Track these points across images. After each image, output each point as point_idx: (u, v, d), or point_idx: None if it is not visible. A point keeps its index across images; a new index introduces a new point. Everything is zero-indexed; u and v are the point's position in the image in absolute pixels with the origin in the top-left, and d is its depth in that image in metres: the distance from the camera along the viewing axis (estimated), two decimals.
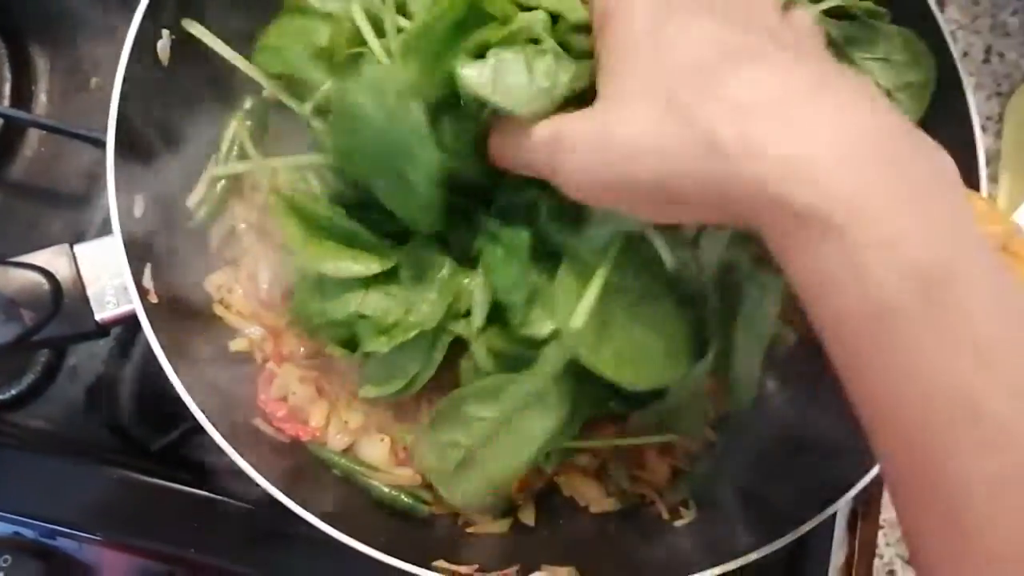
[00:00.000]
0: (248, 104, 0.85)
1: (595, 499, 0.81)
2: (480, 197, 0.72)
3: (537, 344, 0.67)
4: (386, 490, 0.78)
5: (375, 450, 0.79)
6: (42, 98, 1.02)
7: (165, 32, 0.79)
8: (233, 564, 0.82)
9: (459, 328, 0.71)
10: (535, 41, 0.61)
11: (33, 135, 0.99)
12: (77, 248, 0.73)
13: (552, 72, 0.60)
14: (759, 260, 0.71)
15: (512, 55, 0.61)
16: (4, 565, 0.82)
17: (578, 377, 0.67)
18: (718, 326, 0.70)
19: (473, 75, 0.60)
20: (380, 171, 0.67)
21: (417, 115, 0.62)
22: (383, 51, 0.67)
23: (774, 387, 0.84)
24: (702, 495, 0.81)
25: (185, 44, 0.80)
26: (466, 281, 0.72)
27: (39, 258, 0.72)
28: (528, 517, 0.80)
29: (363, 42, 0.71)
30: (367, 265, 0.70)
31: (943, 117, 0.83)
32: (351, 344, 0.73)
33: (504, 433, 0.69)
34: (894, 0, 0.83)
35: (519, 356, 0.68)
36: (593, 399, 0.71)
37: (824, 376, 0.80)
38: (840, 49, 0.83)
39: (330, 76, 0.73)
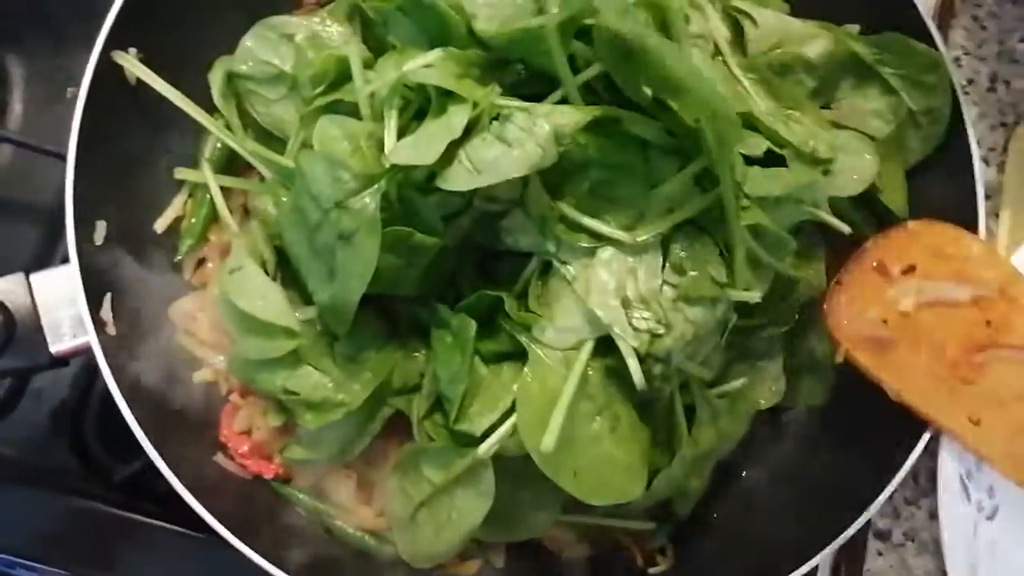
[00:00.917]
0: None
1: (567, 544, 0.78)
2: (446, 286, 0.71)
3: (472, 440, 0.65)
4: (350, 531, 0.76)
5: (342, 487, 0.77)
6: (17, 108, 0.99)
7: (132, 50, 0.77)
8: None
9: (399, 404, 0.70)
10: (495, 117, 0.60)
11: (6, 149, 0.97)
12: (33, 277, 0.71)
13: (528, 124, 0.58)
14: (709, 384, 0.73)
15: (479, 139, 0.60)
16: None
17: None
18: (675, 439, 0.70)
19: (452, 176, 0.60)
20: (315, 252, 0.66)
21: (372, 206, 0.62)
22: (366, 100, 0.66)
23: (761, 440, 0.81)
24: (680, 543, 0.78)
25: (155, 61, 0.78)
26: (413, 356, 0.70)
27: None
28: (498, 559, 0.78)
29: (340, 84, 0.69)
30: (280, 344, 0.69)
31: (950, 150, 0.80)
32: (289, 412, 0.72)
33: (444, 503, 0.68)
34: (893, 22, 0.80)
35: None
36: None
37: (817, 434, 0.81)
38: (869, 69, 0.80)
39: (301, 116, 0.72)
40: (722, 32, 0.80)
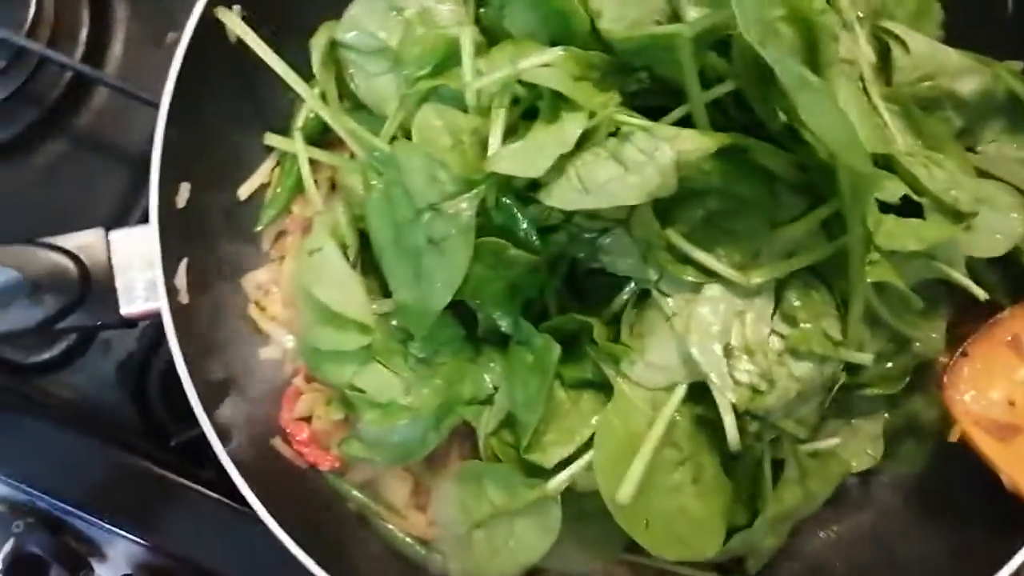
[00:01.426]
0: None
1: None
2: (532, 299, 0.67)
3: (541, 471, 0.61)
4: (399, 535, 0.73)
5: (397, 488, 0.74)
6: (117, 49, 0.97)
7: (236, 7, 0.74)
8: (234, 573, 0.78)
9: (468, 414, 0.66)
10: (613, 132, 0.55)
11: (102, 90, 0.95)
12: (112, 234, 0.69)
13: (649, 147, 0.53)
14: (799, 440, 0.66)
15: (592, 154, 0.55)
16: (16, 531, 0.81)
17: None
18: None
19: (557, 193, 0.55)
20: (401, 249, 0.61)
21: (468, 213, 0.57)
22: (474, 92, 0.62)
23: (844, 502, 0.75)
24: None
25: (259, 20, 0.74)
26: (489, 366, 0.66)
27: (71, 241, 0.68)
28: None
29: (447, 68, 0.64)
30: (352, 338, 0.66)
31: None
32: (352, 406, 0.69)
33: (503, 529, 0.64)
34: None
35: None
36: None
37: (906, 507, 0.75)
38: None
39: (401, 97, 0.68)
40: (868, 56, 0.72)
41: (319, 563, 0.64)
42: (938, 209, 0.66)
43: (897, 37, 0.73)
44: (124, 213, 0.89)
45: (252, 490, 0.66)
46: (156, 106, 0.86)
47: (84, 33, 0.96)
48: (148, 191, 0.88)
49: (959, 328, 0.71)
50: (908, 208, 0.66)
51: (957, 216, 0.67)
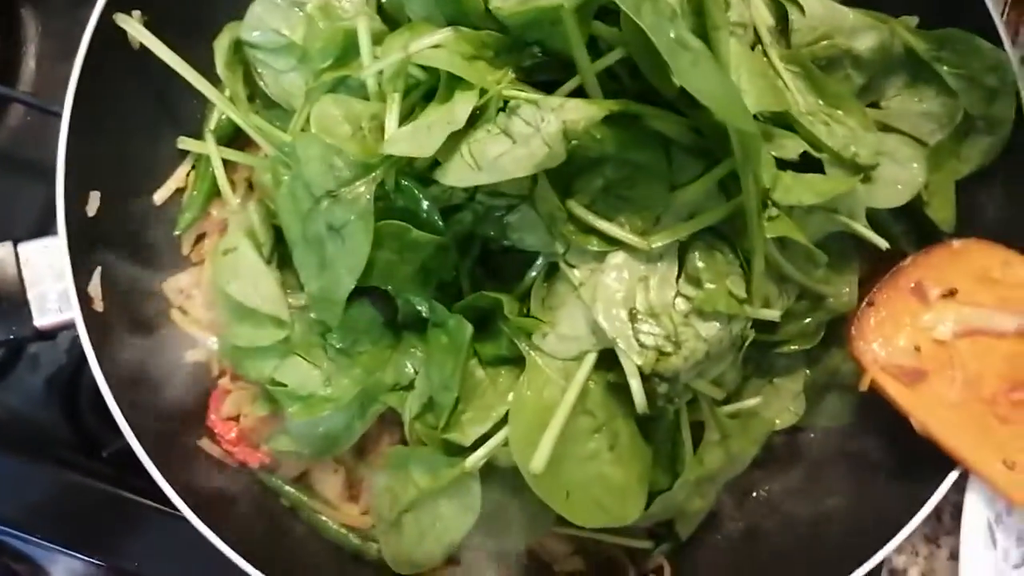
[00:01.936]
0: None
1: (561, 556, 0.74)
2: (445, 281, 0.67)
3: (461, 450, 0.62)
4: (334, 527, 0.73)
5: (329, 480, 0.74)
6: (30, 65, 0.96)
7: (136, 13, 0.73)
8: None
9: (392, 401, 0.66)
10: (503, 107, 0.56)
11: (17, 107, 0.94)
12: (22, 247, 0.69)
13: (536, 119, 0.53)
14: (721, 401, 0.68)
15: (483, 131, 0.55)
16: None
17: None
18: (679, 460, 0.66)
19: (451, 171, 0.56)
20: (306, 240, 0.62)
21: (366, 197, 0.58)
22: (373, 79, 0.62)
23: (774, 460, 0.76)
24: (679, 562, 0.74)
25: (160, 25, 0.74)
26: (410, 352, 0.67)
27: None
28: (488, 567, 0.74)
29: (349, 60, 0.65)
30: (269, 333, 0.66)
31: (1009, 162, 0.73)
32: (276, 403, 0.69)
33: (428, 510, 0.65)
34: (956, 16, 0.73)
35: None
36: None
37: (835, 459, 0.76)
38: (925, 66, 0.74)
39: (306, 91, 0.68)
40: (765, 19, 0.73)
41: (254, 564, 0.64)
42: (837, 164, 0.68)
43: (793, 0, 0.74)
44: (43, 228, 0.88)
45: (179, 495, 0.65)
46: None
47: None
48: None
49: (871, 282, 0.73)
50: (810, 165, 0.67)
51: (857, 169, 0.68)
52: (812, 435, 0.78)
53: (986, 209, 0.74)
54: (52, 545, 0.78)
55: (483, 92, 0.59)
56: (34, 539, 0.78)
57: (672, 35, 0.53)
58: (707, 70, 0.54)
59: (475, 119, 0.58)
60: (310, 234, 0.62)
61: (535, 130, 0.55)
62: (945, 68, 0.75)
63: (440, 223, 0.61)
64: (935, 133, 0.76)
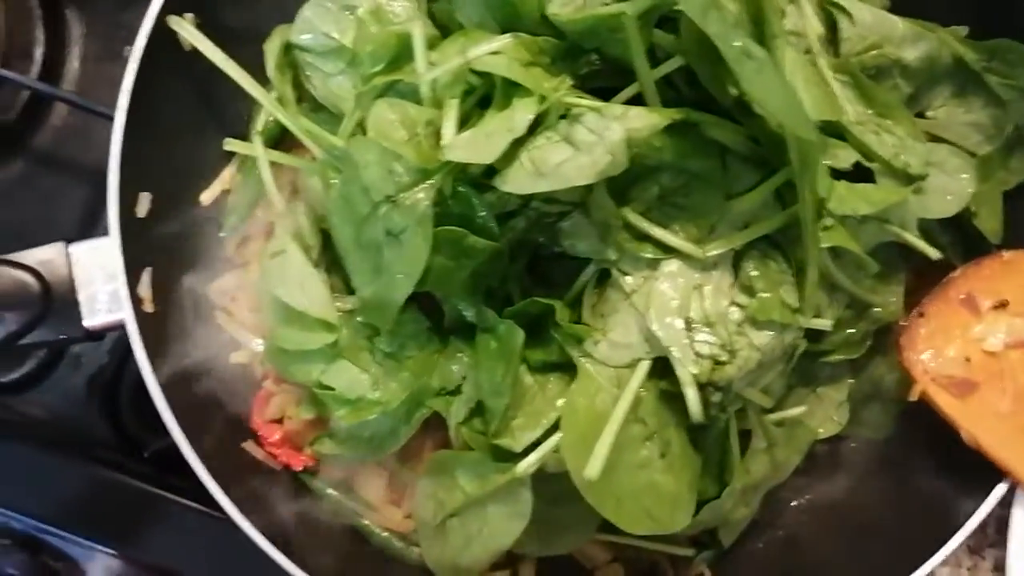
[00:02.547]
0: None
1: (602, 563, 0.75)
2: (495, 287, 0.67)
3: (511, 456, 0.62)
4: (377, 531, 0.73)
5: (372, 484, 0.74)
6: (74, 65, 0.97)
7: (189, 15, 0.74)
8: None
9: (438, 405, 0.66)
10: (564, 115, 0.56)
11: (63, 104, 0.95)
12: (72, 248, 0.69)
13: (599, 127, 0.53)
14: (764, 410, 0.67)
15: (544, 138, 0.56)
16: None
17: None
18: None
19: (511, 178, 0.56)
20: (360, 245, 0.62)
21: (425, 203, 0.58)
22: (428, 84, 0.62)
23: (815, 470, 0.76)
24: (720, 570, 0.74)
25: (212, 27, 0.75)
26: (456, 357, 0.66)
27: (32, 257, 0.68)
28: (528, 573, 0.75)
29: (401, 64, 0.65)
30: (317, 337, 0.66)
31: None
32: (323, 405, 0.69)
33: (476, 516, 0.65)
34: (1008, 26, 0.73)
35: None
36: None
37: (877, 470, 0.76)
38: (974, 76, 0.74)
39: (357, 95, 0.68)
40: (815, 28, 0.73)
41: (298, 564, 0.65)
42: (888, 174, 0.68)
43: (843, 8, 0.74)
44: (88, 227, 0.89)
45: (226, 494, 0.66)
46: (111, 118, 0.87)
47: (39, 52, 0.96)
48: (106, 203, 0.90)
49: (916, 292, 0.73)
50: (860, 175, 0.67)
51: (907, 179, 0.68)
52: (854, 445, 0.77)
53: None
54: (91, 543, 0.78)
55: (543, 99, 0.59)
56: (73, 537, 0.78)
57: (737, 43, 0.53)
58: (770, 78, 0.54)
59: (534, 126, 0.59)
60: (365, 239, 0.62)
61: (598, 138, 0.56)
62: (995, 79, 0.75)
63: (496, 229, 0.62)
64: (983, 144, 0.76)
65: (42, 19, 0.96)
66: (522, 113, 0.58)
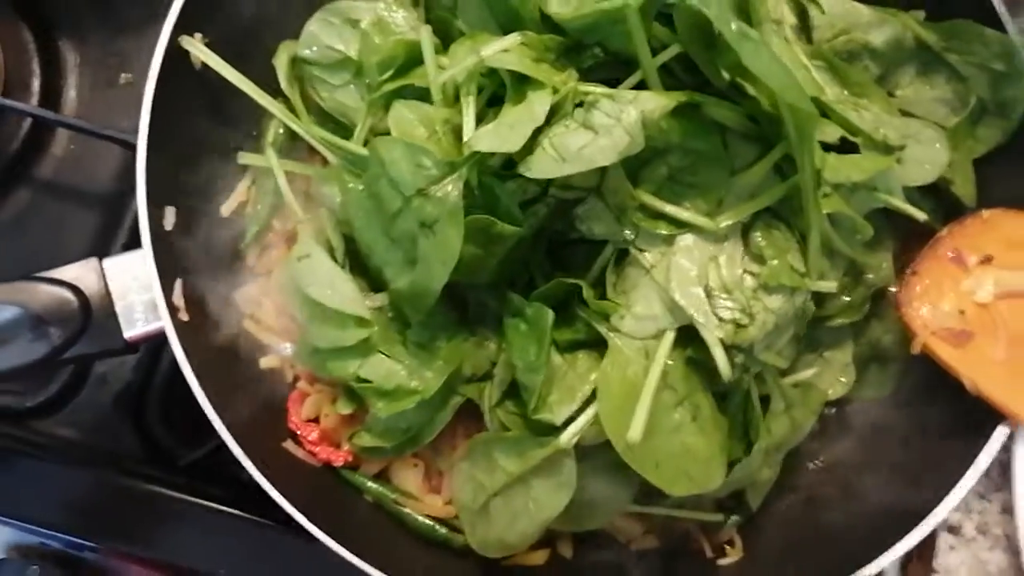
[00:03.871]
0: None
1: (636, 536, 0.78)
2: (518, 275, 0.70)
3: (551, 429, 0.65)
4: (420, 519, 0.75)
5: (410, 475, 0.77)
6: (71, 94, 0.99)
7: (198, 35, 0.77)
8: None
9: (470, 392, 0.69)
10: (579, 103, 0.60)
11: (63, 133, 0.97)
12: (106, 262, 0.71)
13: (615, 111, 0.57)
14: (781, 372, 0.71)
15: (562, 126, 0.59)
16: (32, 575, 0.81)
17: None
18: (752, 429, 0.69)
19: (536, 164, 0.59)
20: (391, 239, 0.65)
21: (455, 193, 0.61)
22: (438, 87, 0.66)
23: (827, 433, 0.80)
24: (748, 535, 0.77)
25: (220, 46, 0.77)
26: (484, 344, 0.70)
27: (67, 273, 0.70)
28: (566, 549, 0.77)
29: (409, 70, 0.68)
30: (352, 333, 0.69)
31: (1013, 136, 0.79)
32: (360, 399, 0.72)
33: (520, 493, 0.68)
34: (961, 8, 0.79)
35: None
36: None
37: (884, 427, 0.80)
38: (935, 56, 0.79)
39: (368, 103, 0.72)
40: (788, 18, 0.79)
41: (354, 552, 0.67)
42: (871, 146, 0.73)
43: None
44: (98, 251, 0.89)
45: (281, 494, 0.68)
46: (120, 142, 0.89)
47: (36, 83, 0.98)
48: (121, 228, 0.92)
49: (903, 259, 0.78)
50: (846, 151, 0.72)
51: (888, 150, 0.74)
52: (859, 406, 0.82)
53: (1004, 184, 0.79)
54: (135, 553, 0.79)
55: (555, 91, 0.63)
56: (116, 549, 0.79)
57: (734, 26, 0.58)
58: (767, 56, 0.59)
59: (551, 116, 0.62)
60: (397, 232, 0.65)
61: (615, 121, 0.60)
62: (954, 57, 0.81)
63: (520, 215, 0.65)
64: (949, 117, 0.81)
65: (37, 51, 0.98)
66: (540, 103, 0.62)
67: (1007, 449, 0.73)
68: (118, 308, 0.70)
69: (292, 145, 0.82)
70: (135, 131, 0.72)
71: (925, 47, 0.82)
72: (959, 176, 0.81)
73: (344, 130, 0.79)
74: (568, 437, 0.64)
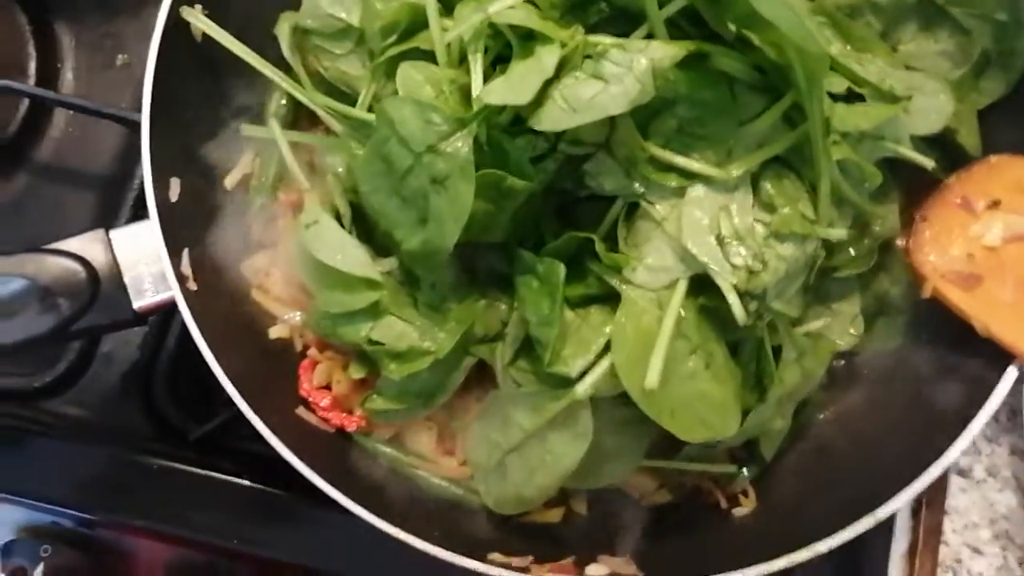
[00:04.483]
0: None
1: (650, 491, 0.78)
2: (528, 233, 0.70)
3: (566, 382, 0.65)
4: (435, 480, 0.75)
5: (423, 438, 0.77)
6: (68, 76, 0.99)
7: (198, 6, 0.76)
8: (277, 554, 0.80)
9: (482, 352, 0.69)
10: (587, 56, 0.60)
11: (60, 115, 0.97)
12: (113, 233, 0.71)
13: (625, 60, 0.57)
14: (794, 322, 0.71)
15: (572, 78, 0.59)
16: (44, 555, 0.81)
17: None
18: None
19: (546, 117, 0.59)
20: (402, 199, 0.65)
21: (465, 149, 0.61)
22: (443, 48, 0.65)
23: (836, 383, 0.80)
24: (761, 486, 0.78)
25: (220, 17, 0.77)
26: (494, 306, 0.70)
27: (73, 244, 0.69)
28: (580, 506, 0.78)
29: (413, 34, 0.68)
30: (363, 296, 0.69)
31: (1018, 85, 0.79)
32: (372, 363, 0.71)
33: (536, 447, 0.68)
34: None
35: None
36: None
37: (893, 376, 0.81)
38: (938, 10, 0.79)
39: (372, 68, 0.71)
40: None
41: (376, 514, 0.67)
42: (877, 96, 0.73)
43: None
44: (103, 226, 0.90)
45: (300, 459, 0.68)
46: (120, 120, 0.89)
47: (33, 66, 0.97)
48: (124, 204, 0.92)
49: (909, 211, 0.78)
50: (850, 103, 0.73)
51: (895, 100, 0.74)
52: (868, 357, 0.82)
53: (1009, 133, 0.80)
54: (150, 527, 0.79)
55: (563, 45, 0.63)
56: (129, 525, 0.79)
57: None
58: (776, 2, 0.59)
59: (559, 69, 0.62)
60: (408, 190, 0.65)
61: (626, 69, 0.60)
62: (957, 10, 0.81)
63: (531, 170, 0.65)
64: (953, 71, 0.82)
65: (33, 34, 0.98)
66: (549, 56, 0.62)
67: (1015, 393, 0.73)
68: (127, 279, 0.70)
69: (295, 116, 0.82)
70: (134, 110, 0.72)
71: (927, 1, 0.82)
72: (964, 126, 0.81)
73: (347, 100, 0.79)
74: (584, 388, 0.64)
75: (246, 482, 0.80)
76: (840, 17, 0.78)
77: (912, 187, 0.78)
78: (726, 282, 0.62)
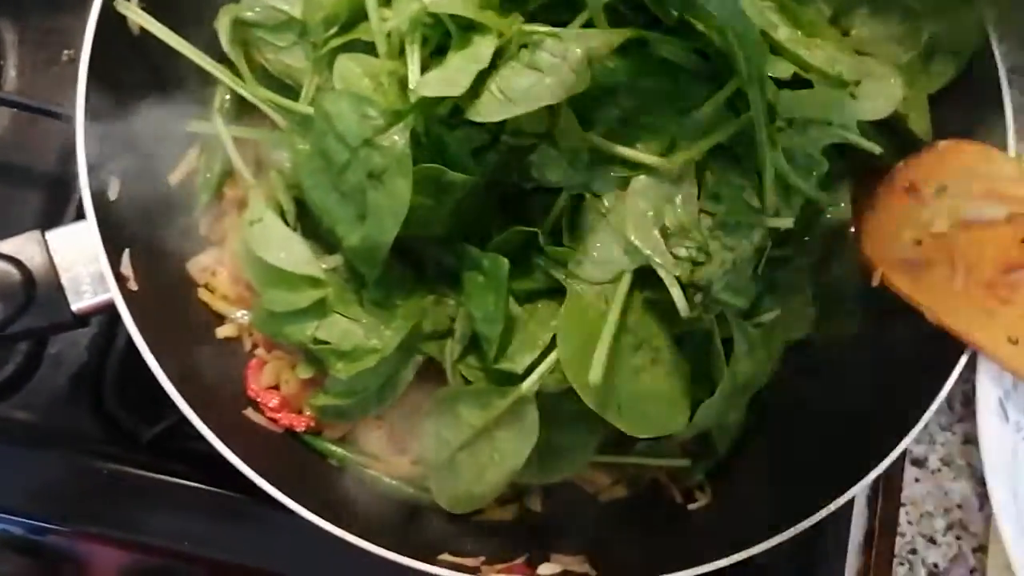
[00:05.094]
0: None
1: (605, 486, 0.77)
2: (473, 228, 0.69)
3: (513, 379, 0.64)
4: (387, 480, 0.75)
5: (373, 437, 0.76)
6: (11, 73, 0.96)
7: (134, 1, 0.74)
8: (229, 557, 0.78)
9: (431, 349, 0.69)
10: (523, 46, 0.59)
11: (3, 113, 0.94)
12: (49, 234, 0.69)
13: (560, 50, 0.56)
14: (745, 314, 0.71)
15: (508, 68, 0.59)
16: None
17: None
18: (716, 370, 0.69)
19: (483, 108, 0.59)
20: (342, 195, 0.64)
21: (401, 142, 0.60)
22: (383, 39, 0.64)
23: (790, 374, 0.80)
24: (717, 479, 0.77)
25: (158, 11, 0.75)
26: (443, 302, 0.69)
27: (7, 246, 0.68)
28: (535, 503, 0.77)
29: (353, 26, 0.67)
30: (306, 295, 0.68)
31: (966, 70, 0.79)
32: (320, 362, 0.70)
33: (485, 444, 0.67)
34: None
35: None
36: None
37: (846, 366, 0.80)
38: None
39: (313, 60, 0.70)
40: None
41: (321, 516, 0.66)
42: (825, 82, 0.72)
43: None
44: (48, 226, 0.88)
45: (245, 462, 0.66)
46: (58, 116, 0.87)
47: None
48: (69, 204, 0.90)
49: (859, 198, 0.78)
50: (799, 88, 0.72)
51: (842, 85, 0.73)
52: (821, 346, 0.82)
53: (958, 117, 0.79)
54: (103, 533, 0.78)
55: (500, 35, 0.62)
56: (82, 531, 0.78)
57: None
58: None
59: (496, 60, 0.61)
60: (347, 186, 0.64)
61: (561, 59, 0.59)
62: None
63: (471, 163, 0.64)
64: (902, 55, 0.82)
65: None
66: (485, 46, 0.61)
67: (967, 380, 0.73)
68: (64, 280, 0.68)
69: (240, 111, 0.80)
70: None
71: None
72: (914, 111, 0.80)
73: (291, 93, 0.77)
74: (530, 384, 0.64)
75: (198, 485, 0.79)
76: (788, 2, 0.77)
77: (864, 175, 0.78)
78: (669, 275, 0.62)
